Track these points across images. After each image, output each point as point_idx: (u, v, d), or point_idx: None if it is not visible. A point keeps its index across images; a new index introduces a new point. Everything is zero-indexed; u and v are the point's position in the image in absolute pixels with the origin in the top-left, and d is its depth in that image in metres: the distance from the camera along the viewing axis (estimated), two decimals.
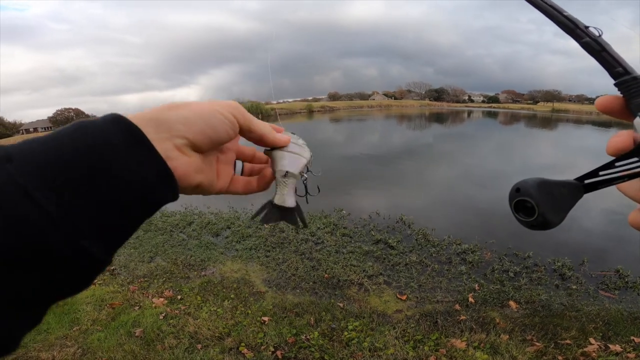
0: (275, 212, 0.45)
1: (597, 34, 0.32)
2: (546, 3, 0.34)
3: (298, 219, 0.46)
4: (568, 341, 2.58)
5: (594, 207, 5.61)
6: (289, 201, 0.44)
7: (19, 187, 0.23)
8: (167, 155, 0.30)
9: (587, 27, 0.32)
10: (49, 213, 0.23)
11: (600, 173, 0.31)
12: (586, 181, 0.31)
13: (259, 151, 0.46)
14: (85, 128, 0.27)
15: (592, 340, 2.58)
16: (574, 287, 3.43)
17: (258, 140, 0.41)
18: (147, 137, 0.29)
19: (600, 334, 2.66)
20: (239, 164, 0.44)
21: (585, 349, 2.48)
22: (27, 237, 0.22)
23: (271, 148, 0.44)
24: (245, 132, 0.38)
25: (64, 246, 0.23)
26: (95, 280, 2.58)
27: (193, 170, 0.33)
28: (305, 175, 0.46)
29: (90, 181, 0.25)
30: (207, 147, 0.34)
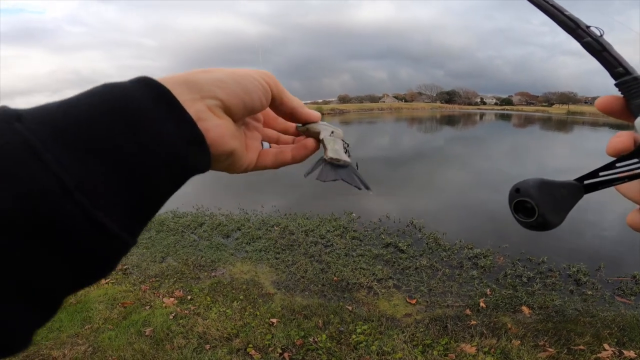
0: (331, 169, 0.41)
1: (598, 33, 0.31)
2: (547, 2, 0.34)
3: (357, 179, 0.42)
4: (581, 347, 2.52)
5: (610, 211, 5.47)
6: (344, 156, 0.41)
7: (29, 149, 0.19)
8: (199, 117, 0.27)
9: (588, 27, 0.32)
10: (63, 180, 0.19)
11: (601, 174, 0.31)
12: (586, 182, 0.31)
13: (283, 136, 0.43)
14: (111, 87, 0.24)
15: (606, 346, 2.51)
16: (589, 292, 3.34)
17: (288, 113, 0.38)
18: (176, 98, 0.26)
19: (615, 340, 2.59)
20: (265, 144, 0.40)
21: (598, 355, 2.42)
22: (35, 207, 0.19)
23: (303, 124, 0.41)
24: (277, 103, 0.36)
25: (77, 219, 0.20)
26: (108, 279, 2.60)
27: (227, 133, 0.30)
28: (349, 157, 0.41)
29: (111, 145, 0.22)
30: (241, 113, 0.31)
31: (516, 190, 0.32)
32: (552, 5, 0.33)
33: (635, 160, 0.29)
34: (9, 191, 0.18)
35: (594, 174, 0.31)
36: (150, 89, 0.25)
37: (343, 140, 0.42)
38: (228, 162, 0.33)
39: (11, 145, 0.19)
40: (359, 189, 0.43)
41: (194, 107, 0.27)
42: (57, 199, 0.19)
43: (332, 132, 0.40)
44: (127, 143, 0.22)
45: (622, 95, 0.31)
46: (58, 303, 0.22)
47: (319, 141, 0.40)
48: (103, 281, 3.70)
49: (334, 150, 0.40)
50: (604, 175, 0.30)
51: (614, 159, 0.30)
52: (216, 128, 0.28)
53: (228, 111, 0.30)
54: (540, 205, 0.30)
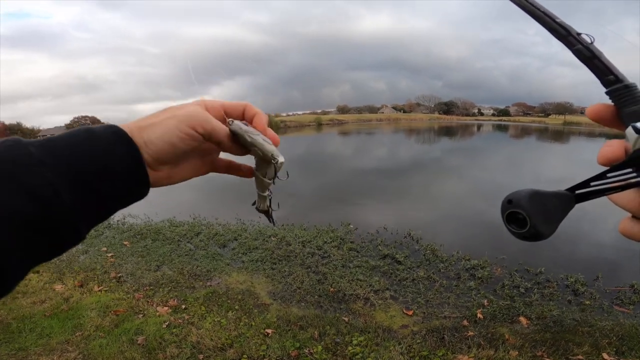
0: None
1: (589, 41, 0.31)
2: (539, 9, 0.34)
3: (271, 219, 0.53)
4: (580, 357, 2.49)
5: (607, 221, 5.47)
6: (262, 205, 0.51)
7: (51, 187, 0.30)
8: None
9: (579, 34, 0.32)
10: (68, 206, 0.31)
11: (592, 184, 0.31)
12: (577, 192, 0.31)
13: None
14: (95, 138, 0.35)
15: (605, 355, 2.49)
16: (587, 302, 3.32)
17: (217, 145, 0.43)
18: (141, 155, 0.37)
19: (614, 349, 2.57)
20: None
21: None
22: (49, 219, 0.30)
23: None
24: (206, 138, 0.41)
25: (69, 228, 0.32)
26: (101, 287, 2.61)
27: (163, 178, 0.41)
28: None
29: (97, 181, 0.33)
30: (173, 160, 0.40)
31: (508, 202, 0.32)
32: (543, 13, 0.33)
33: (628, 170, 0.29)
34: (36, 209, 0.30)
35: (585, 183, 0.31)
36: (122, 142, 0.36)
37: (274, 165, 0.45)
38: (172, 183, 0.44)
39: (41, 186, 0.30)
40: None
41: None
42: (64, 213, 0.31)
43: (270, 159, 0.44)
44: (107, 181, 0.34)
45: (612, 104, 0.31)
46: (30, 268, 0.32)
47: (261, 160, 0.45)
48: (96, 288, 3.66)
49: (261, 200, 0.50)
50: (596, 185, 0.30)
51: (606, 168, 0.30)
52: (153, 178, 0.39)
53: (161, 162, 0.39)
54: (532, 216, 0.30)
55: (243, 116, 0.45)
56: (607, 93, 0.31)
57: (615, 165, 0.29)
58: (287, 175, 0.47)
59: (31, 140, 0.32)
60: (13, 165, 0.30)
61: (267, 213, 0.52)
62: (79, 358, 2.57)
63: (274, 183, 0.47)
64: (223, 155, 0.49)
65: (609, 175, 0.30)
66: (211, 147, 0.44)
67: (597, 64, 0.31)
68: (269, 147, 0.43)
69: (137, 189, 0.37)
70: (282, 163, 0.44)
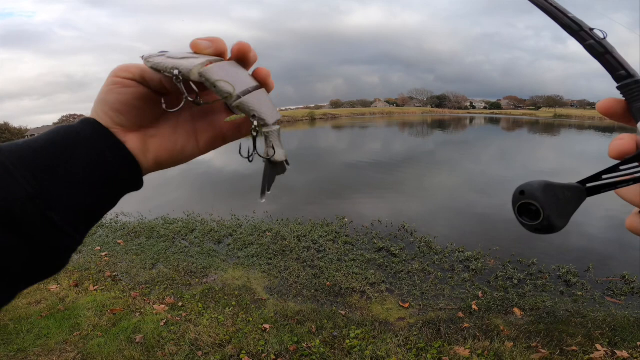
0: (271, 171, 0.38)
1: (601, 36, 0.31)
2: (551, 4, 0.33)
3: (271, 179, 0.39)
4: (574, 348, 2.54)
5: (597, 212, 5.56)
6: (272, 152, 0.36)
7: (4, 168, 0.28)
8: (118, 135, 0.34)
9: (592, 30, 0.32)
10: (26, 190, 0.28)
11: (604, 177, 0.30)
12: (589, 185, 0.31)
13: None
14: (63, 127, 0.32)
15: (598, 346, 2.54)
16: (580, 293, 3.39)
17: (160, 88, 0.35)
18: (100, 123, 0.33)
19: (607, 340, 2.62)
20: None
21: (591, 356, 2.45)
22: (9, 207, 0.27)
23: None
24: (141, 81, 0.35)
25: (36, 217, 0.28)
26: (97, 286, 2.57)
27: (141, 150, 0.35)
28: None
29: (58, 164, 0.30)
30: (127, 120, 0.35)
31: (520, 193, 0.31)
32: (555, 8, 0.33)
33: (636, 164, 0.28)
34: None
35: (597, 176, 0.30)
36: (83, 121, 0.33)
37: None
38: (170, 163, 0.39)
39: None
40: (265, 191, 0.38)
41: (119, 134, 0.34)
42: (23, 202, 0.28)
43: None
44: (70, 162, 0.30)
45: (623, 99, 0.31)
46: (17, 287, 0.30)
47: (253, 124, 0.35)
48: (91, 288, 3.63)
49: (281, 153, 0.36)
50: (607, 178, 0.30)
51: (617, 161, 0.30)
52: (131, 141, 0.35)
53: (125, 125, 0.35)
54: (546, 207, 0.29)
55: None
56: (618, 88, 0.31)
57: (628, 159, 0.29)
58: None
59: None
60: None
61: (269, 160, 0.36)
62: (78, 358, 2.55)
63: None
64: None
65: (621, 168, 0.29)
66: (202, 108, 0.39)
67: (609, 59, 0.31)
68: (223, 84, 0.32)
69: (115, 155, 0.33)
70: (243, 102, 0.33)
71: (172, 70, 0.32)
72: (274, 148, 0.36)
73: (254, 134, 0.35)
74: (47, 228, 0.29)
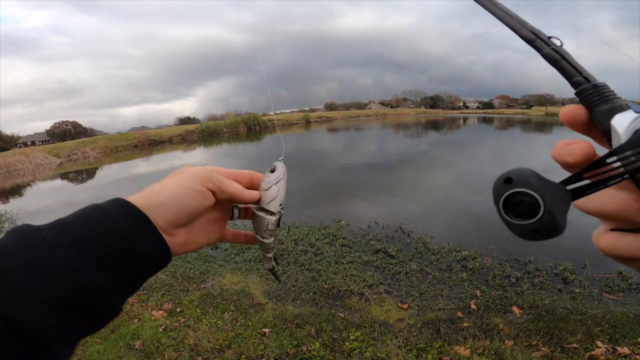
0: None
1: (558, 44, 0.31)
2: (509, 15, 0.33)
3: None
4: (574, 345, 2.55)
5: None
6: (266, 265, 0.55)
7: (74, 267, 0.31)
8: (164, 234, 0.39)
9: (550, 38, 0.31)
10: (94, 282, 0.32)
11: (585, 175, 0.26)
12: (570, 187, 0.26)
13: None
14: (104, 214, 0.36)
15: (599, 343, 2.55)
16: (577, 290, 3.41)
17: (230, 200, 0.46)
18: (152, 223, 0.37)
19: (607, 337, 2.63)
20: (235, 210, 0.50)
21: (592, 352, 2.45)
22: (80, 297, 0.31)
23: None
24: (217, 195, 0.43)
25: (102, 302, 0.33)
26: None
27: (179, 245, 0.41)
28: (280, 211, 0.50)
29: (117, 257, 0.34)
30: (187, 222, 0.41)
31: (506, 181, 0.25)
32: (513, 18, 0.33)
33: (628, 153, 0.23)
34: (69, 291, 0.31)
35: (578, 176, 0.26)
36: (130, 215, 0.36)
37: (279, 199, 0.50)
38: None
39: (65, 266, 0.31)
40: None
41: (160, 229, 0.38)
42: (88, 290, 0.32)
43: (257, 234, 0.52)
44: (127, 256, 0.35)
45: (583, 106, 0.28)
46: (76, 344, 0.34)
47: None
48: None
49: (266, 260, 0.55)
50: (591, 176, 0.26)
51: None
52: (171, 244, 0.39)
53: (177, 225, 0.40)
54: (546, 198, 0.23)
55: (251, 183, 0.49)
56: (576, 94, 0.29)
57: (612, 151, 0.24)
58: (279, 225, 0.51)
59: (41, 225, 0.33)
60: (31, 252, 0.30)
61: (272, 271, 0.56)
62: None
63: (275, 239, 0.51)
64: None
65: (608, 160, 0.24)
66: (221, 213, 0.48)
67: (564, 65, 0.30)
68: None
69: (157, 256, 0.38)
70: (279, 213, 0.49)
71: (280, 210, 0.50)
72: (276, 261, 0.56)
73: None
74: (108, 310, 0.34)
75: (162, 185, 0.40)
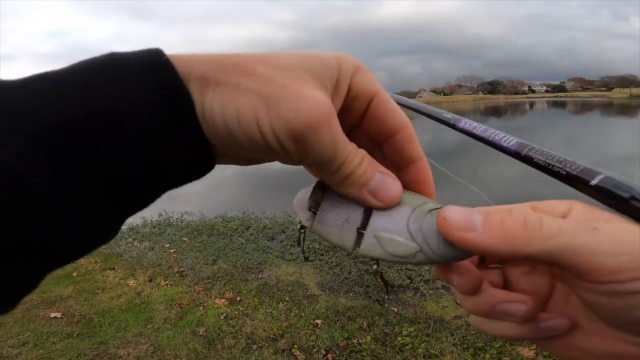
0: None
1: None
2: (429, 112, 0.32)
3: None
4: None
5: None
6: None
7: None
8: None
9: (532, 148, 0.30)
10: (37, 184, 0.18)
11: None
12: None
13: None
14: (109, 77, 0.20)
15: None
16: None
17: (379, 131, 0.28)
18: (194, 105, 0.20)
19: None
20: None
21: None
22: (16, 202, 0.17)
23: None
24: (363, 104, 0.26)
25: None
26: (167, 281, 2.81)
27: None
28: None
29: (99, 163, 0.19)
30: (232, 153, 0.25)
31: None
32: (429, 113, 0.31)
33: None
34: None
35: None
36: (159, 86, 0.20)
37: None
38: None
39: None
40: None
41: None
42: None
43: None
44: (121, 165, 0.19)
45: None
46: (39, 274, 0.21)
47: None
48: (163, 282, 3.96)
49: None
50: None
51: None
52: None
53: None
54: None
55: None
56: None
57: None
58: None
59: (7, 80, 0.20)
60: None
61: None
62: (150, 350, 2.81)
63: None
64: None
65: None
66: None
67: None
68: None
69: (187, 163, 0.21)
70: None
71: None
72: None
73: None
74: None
75: (235, 80, 0.21)
